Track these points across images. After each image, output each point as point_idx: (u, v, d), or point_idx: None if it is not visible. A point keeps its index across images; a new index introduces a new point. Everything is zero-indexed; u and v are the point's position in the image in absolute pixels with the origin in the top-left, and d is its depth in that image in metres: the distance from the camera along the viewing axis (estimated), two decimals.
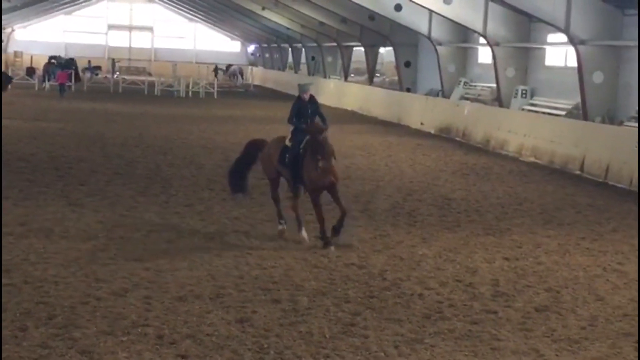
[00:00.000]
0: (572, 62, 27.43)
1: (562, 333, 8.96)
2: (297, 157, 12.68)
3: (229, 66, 72.01)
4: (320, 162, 12.19)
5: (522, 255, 12.64)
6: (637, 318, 9.50)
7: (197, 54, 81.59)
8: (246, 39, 79.53)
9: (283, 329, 8.71)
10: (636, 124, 23.16)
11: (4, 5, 57.56)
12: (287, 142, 12.97)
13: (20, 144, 23.38)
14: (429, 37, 35.14)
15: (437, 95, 36.44)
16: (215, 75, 66.78)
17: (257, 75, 72.33)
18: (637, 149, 19.79)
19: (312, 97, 13.00)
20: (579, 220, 15.72)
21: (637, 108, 24.38)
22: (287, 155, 12.84)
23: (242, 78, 67.90)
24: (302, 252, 12.18)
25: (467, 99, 33.96)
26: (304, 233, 12.88)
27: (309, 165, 12.44)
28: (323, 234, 12.57)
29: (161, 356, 7.81)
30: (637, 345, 8.65)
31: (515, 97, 30.74)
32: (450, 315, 9.42)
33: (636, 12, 23.58)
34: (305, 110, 12.83)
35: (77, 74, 53.27)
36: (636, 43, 23.35)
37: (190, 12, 78.99)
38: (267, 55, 72.75)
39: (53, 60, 57.34)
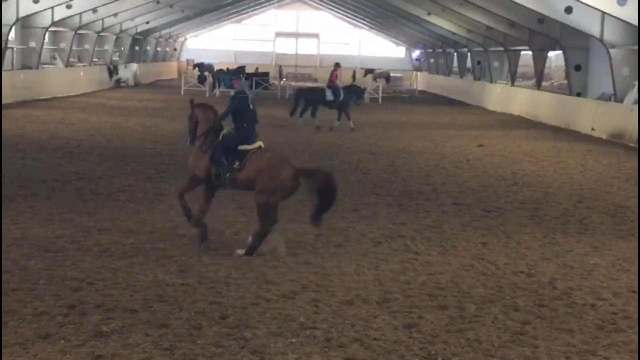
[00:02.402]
0: None
1: None
2: None
3: (369, 70, 71.69)
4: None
5: None
6: None
7: (362, 60, 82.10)
8: (411, 45, 79.47)
9: (450, 335, 8.64)
10: None
11: (178, 15, 59.92)
12: None
13: None
14: (601, 40, 33.99)
15: (609, 100, 35.23)
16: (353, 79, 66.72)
17: (421, 81, 72.08)
18: None
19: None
20: None
21: None
22: None
23: (388, 83, 67.40)
24: (469, 259, 12.06)
25: None
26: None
27: None
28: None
29: (329, 359, 7.91)
30: None
31: None
32: (625, 327, 9.10)
33: None
34: None
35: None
36: None
37: (356, 19, 79.66)
38: (431, 60, 72.39)
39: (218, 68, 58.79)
